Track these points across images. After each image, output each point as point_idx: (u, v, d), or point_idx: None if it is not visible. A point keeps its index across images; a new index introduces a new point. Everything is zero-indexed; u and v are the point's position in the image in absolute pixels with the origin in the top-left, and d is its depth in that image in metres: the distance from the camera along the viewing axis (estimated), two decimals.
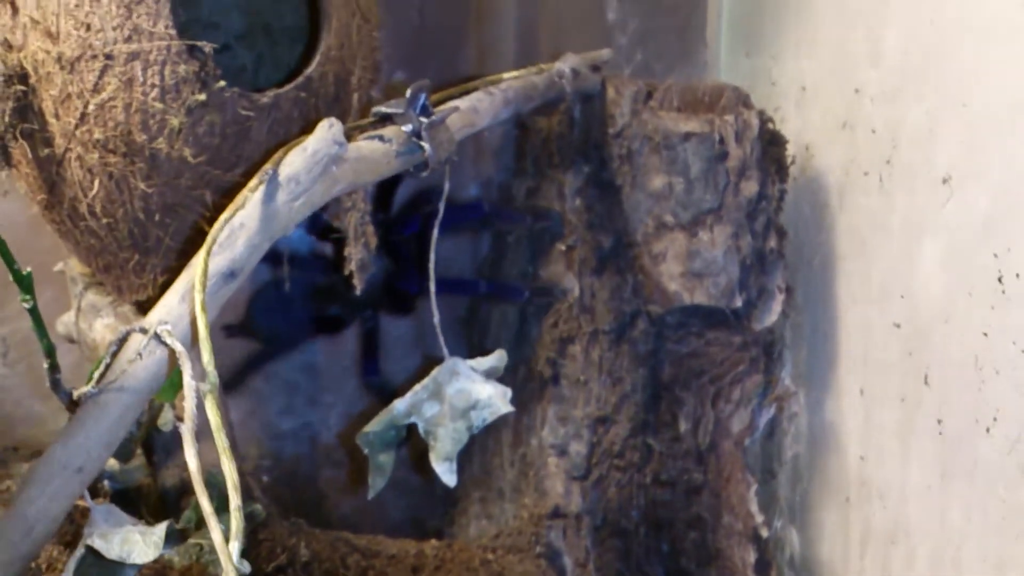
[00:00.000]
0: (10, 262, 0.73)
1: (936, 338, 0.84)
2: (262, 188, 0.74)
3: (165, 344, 0.69)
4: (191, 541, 0.81)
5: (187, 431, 0.59)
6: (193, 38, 0.84)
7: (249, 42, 1.07)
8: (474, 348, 1.16)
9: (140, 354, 0.69)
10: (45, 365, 0.74)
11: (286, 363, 1.17)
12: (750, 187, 1.00)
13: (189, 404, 0.61)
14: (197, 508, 0.89)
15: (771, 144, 1.03)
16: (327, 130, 0.76)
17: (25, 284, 0.75)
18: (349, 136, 0.80)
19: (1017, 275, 0.74)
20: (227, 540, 0.58)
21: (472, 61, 1.19)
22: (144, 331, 0.70)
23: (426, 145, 0.83)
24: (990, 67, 0.79)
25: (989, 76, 0.78)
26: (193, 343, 0.70)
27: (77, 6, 0.81)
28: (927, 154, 0.85)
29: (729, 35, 1.20)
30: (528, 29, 1.19)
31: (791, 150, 1.04)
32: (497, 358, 0.90)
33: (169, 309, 0.72)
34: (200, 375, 0.67)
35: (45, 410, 1.12)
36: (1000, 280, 0.75)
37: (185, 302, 0.72)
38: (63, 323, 1.00)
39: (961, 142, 0.81)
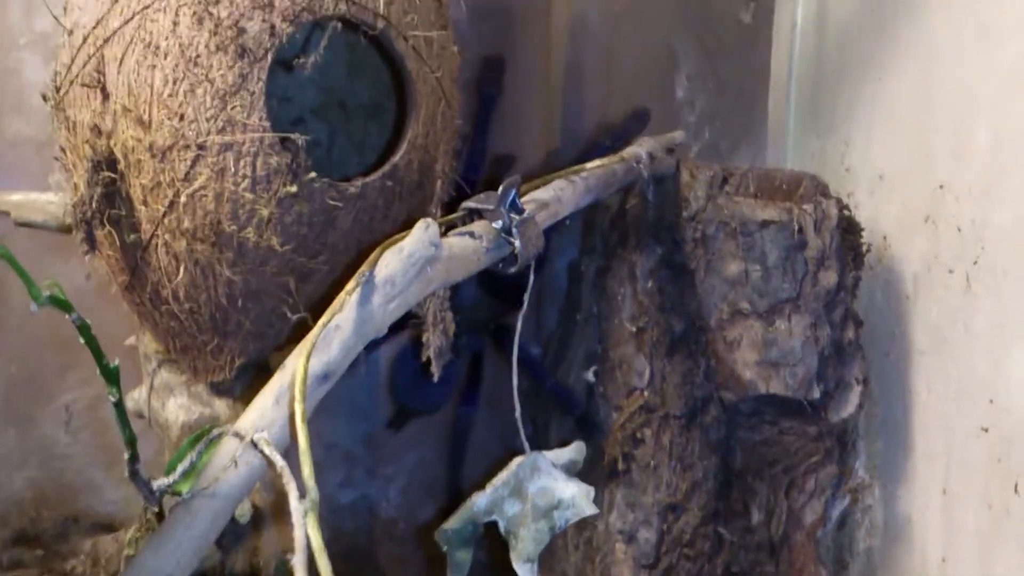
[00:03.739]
0: (99, 356, 0.73)
1: None
2: (359, 290, 0.73)
3: (263, 453, 0.68)
4: None
5: (299, 565, 0.58)
6: (269, 110, 0.84)
7: (323, 117, 1.08)
8: (538, 426, 1.15)
9: (235, 462, 0.69)
10: (126, 456, 0.73)
11: (347, 435, 1.16)
12: (829, 277, 1.00)
13: (299, 534, 0.59)
14: None
15: (847, 232, 1.03)
16: (424, 231, 0.76)
17: (112, 377, 0.74)
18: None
19: None
20: None
21: (543, 137, 1.19)
22: (239, 436, 0.69)
23: (516, 242, 0.82)
24: None
25: None
26: (291, 441, 0.70)
27: (171, 96, 0.81)
28: (1019, 259, 0.84)
29: (798, 115, 1.19)
30: (599, 105, 1.19)
31: (866, 238, 1.03)
32: (576, 450, 0.89)
33: (263, 412, 0.71)
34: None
35: (105, 479, 1.12)
36: None
37: (280, 405, 0.71)
38: (132, 399, 1.00)
39: None
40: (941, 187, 0.95)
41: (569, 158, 1.13)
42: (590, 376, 1.09)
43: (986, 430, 0.88)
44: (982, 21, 0.90)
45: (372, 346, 1.02)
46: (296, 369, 0.70)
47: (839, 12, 1.13)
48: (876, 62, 1.05)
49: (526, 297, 0.88)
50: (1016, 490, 0.84)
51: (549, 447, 0.91)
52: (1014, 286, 0.85)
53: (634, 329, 1.05)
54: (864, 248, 1.03)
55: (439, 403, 1.14)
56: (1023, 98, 0.86)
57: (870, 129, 1.07)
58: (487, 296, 1.11)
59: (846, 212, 1.03)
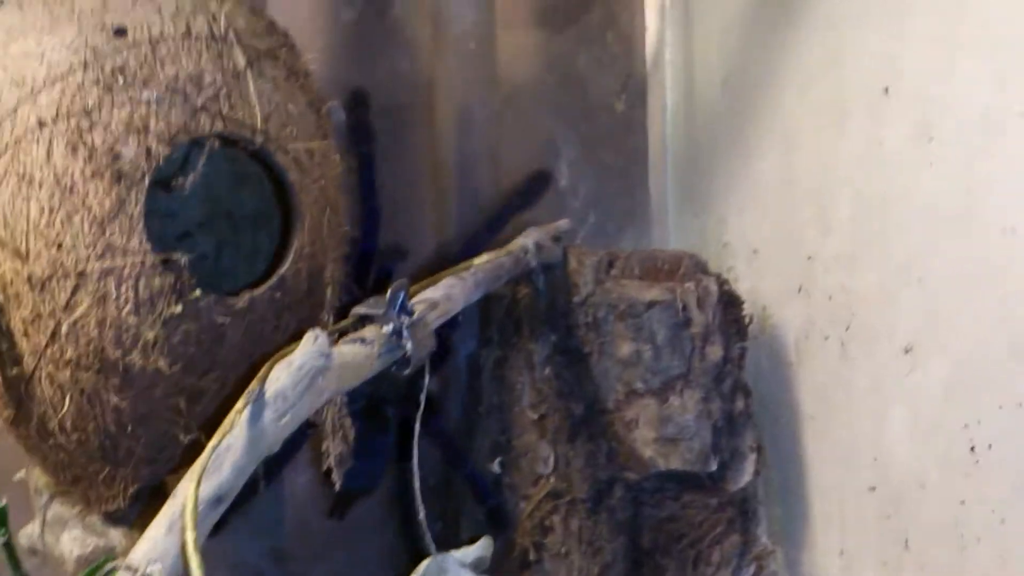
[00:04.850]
0: None
1: (913, 503, 0.86)
2: (249, 408, 0.73)
3: None
4: None
5: None
6: (152, 229, 0.84)
7: (209, 229, 1.08)
8: (448, 521, 1.14)
9: None
10: None
11: (253, 551, 1.14)
12: (715, 351, 1.03)
13: None
14: None
15: (729, 306, 1.07)
16: (312, 343, 0.76)
17: (0, 518, 0.73)
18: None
19: (989, 446, 0.77)
20: None
21: (434, 229, 1.21)
22: (131, 569, 0.68)
23: (408, 344, 0.83)
24: (941, 244, 0.83)
25: (941, 253, 0.83)
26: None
27: (48, 225, 0.80)
28: (887, 323, 0.89)
29: (676, 196, 1.24)
30: (488, 195, 1.21)
31: (748, 309, 1.08)
32: (483, 547, 0.89)
33: (155, 542, 0.69)
34: None
35: None
36: (973, 450, 0.78)
37: (172, 533, 0.70)
38: (26, 535, 0.96)
39: (920, 314, 0.85)
40: (810, 258, 0.99)
41: (461, 252, 1.15)
42: (496, 467, 1.09)
43: (874, 489, 0.91)
44: (836, 103, 0.96)
45: (271, 464, 1.02)
46: (186, 496, 0.69)
47: (705, 98, 1.19)
48: (742, 144, 1.11)
49: (422, 397, 0.89)
50: (907, 546, 0.87)
51: (460, 542, 0.91)
52: (885, 348, 0.90)
53: (535, 416, 1.06)
54: (746, 320, 1.07)
55: (376, 480, 1.13)
56: (877, 172, 0.92)
57: (742, 206, 1.12)
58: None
59: (726, 287, 1.07)
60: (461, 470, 1.12)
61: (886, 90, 0.88)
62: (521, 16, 1.28)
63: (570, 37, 1.29)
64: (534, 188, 1.21)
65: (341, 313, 0.93)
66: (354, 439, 1.07)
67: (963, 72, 0.81)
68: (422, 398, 0.89)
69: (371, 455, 1.11)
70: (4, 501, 0.69)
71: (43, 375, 0.83)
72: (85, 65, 0.82)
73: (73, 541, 0.91)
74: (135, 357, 0.82)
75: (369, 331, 0.83)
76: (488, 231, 1.17)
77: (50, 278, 0.80)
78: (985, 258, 0.79)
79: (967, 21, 0.80)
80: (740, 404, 1.04)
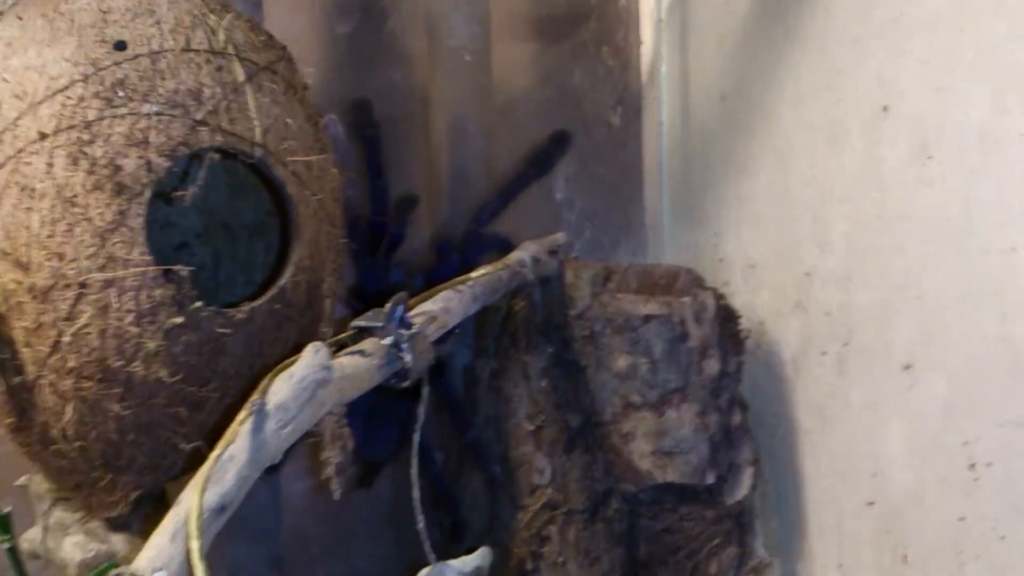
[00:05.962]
0: None
1: (911, 519, 0.87)
2: (251, 419, 0.73)
3: None
4: None
5: None
6: (150, 238, 0.84)
7: (207, 239, 1.08)
8: (445, 531, 1.15)
9: None
10: None
11: (251, 557, 1.14)
12: (712, 365, 1.04)
13: None
14: None
15: (726, 320, 1.07)
16: (314, 355, 0.77)
17: (3, 524, 0.73)
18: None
19: (989, 463, 0.77)
20: None
21: (425, 241, 1.22)
22: None
23: (407, 356, 0.84)
24: (939, 262, 0.84)
25: (939, 270, 0.84)
26: None
27: (50, 236, 0.80)
28: (885, 340, 0.90)
29: (671, 210, 1.25)
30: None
31: (744, 324, 1.08)
32: (482, 556, 0.89)
33: (160, 550, 0.70)
34: None
35: None
36: (972, 467, 0.79)
37: (176, 541, 0.70)
38: (28, 540, 0.96)
39: (918, 331, 0.86)
40: (808, 274, 1.00)
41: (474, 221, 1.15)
42: (495, 468, 1.10)
43: (872, 503, 0.92)
44: (834, 121, 0.97)
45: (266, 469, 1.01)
46: (191, 505, 0.69)
47: (701, 113, 1.20)
48: (738, 159, 1.12)
49: (421, 410, 0.89)
50: (905, 561, 0.88)
51: (458, 551, 0.91)
52: (883, 364, 0.90)
53: (532, 428, 1.07)
54: (743, 334, 1.08)
55: (398, 447, 1.13)
56: (875, 190, 0.92)
57: (738, 221, 1.13)
58: None
59: (723, 301, 1.07)
60: (465, 435, 1.12)
61: (885, 108, 0.89)
62: (516, 29, 1.29)
63: (565, 51, 1.30)
64: (554, 150, 1.19)
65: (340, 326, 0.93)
66: (370, 407, 1.08)
67: (962, 91, 0.82)
68: (420, 411, 0.89)
69: (389, 423, 1.11)
70: (8, 508, 0.69)
71: (45, 384, 0.83)
72: (86, 78, 0.82)
73: (75, 546, 0.91)
74: (137, 367, 0.82)
75: (368, 344, 0.84)
76: (504, 197, 1.17)
77: (52, 289, 0.80)
78: (984, 276, 0.80)
79: (967, 40, 0.81)
80: (737, 418, 1.05)
